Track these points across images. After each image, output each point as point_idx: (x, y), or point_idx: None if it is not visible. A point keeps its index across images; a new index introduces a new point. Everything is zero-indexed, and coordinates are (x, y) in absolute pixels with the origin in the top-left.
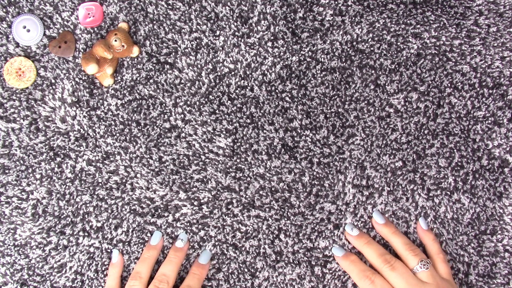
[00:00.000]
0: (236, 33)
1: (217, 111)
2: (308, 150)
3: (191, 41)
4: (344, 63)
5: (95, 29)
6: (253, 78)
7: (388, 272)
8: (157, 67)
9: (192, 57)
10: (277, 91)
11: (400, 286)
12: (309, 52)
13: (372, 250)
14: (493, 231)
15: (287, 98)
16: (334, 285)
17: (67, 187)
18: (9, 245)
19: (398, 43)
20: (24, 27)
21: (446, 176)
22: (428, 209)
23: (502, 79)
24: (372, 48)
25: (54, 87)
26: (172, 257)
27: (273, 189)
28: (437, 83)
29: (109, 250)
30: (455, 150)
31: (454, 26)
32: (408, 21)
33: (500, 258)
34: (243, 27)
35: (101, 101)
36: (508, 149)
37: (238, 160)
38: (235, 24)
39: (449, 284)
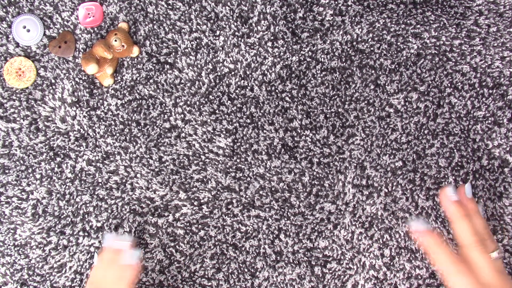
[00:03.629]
0: (236, 33)
1: (217, 111)
2: (308, 150)
3: (191, 41)
4: (344, 63)
5: (95, 29)
6: (253, 78)
7: (478, 253)
8: (157, 67)
9: (192, 57)
10: (277, 91)
11: (486, 272)
12: (309, 52)
13: (469, 225)
14: (493, 231)
15: (287, 98)
16: (334, 285)
17: (67, 187)
18: (9, 245)
19: (398, 43)
20: (24, 27)
21: (446, 176)
22: (428, 209)
23: (502, 79)
24: (372, 48)
25: (54, 87)
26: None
27: (273, 189)
28: (437, 83)
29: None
30: (455, 150)
31: (454, 26)
32: (408, 21)
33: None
34: (243, 27)
35: (101, 101)
36: (508, 149)
37: (238, 160)
38: (235, 24)
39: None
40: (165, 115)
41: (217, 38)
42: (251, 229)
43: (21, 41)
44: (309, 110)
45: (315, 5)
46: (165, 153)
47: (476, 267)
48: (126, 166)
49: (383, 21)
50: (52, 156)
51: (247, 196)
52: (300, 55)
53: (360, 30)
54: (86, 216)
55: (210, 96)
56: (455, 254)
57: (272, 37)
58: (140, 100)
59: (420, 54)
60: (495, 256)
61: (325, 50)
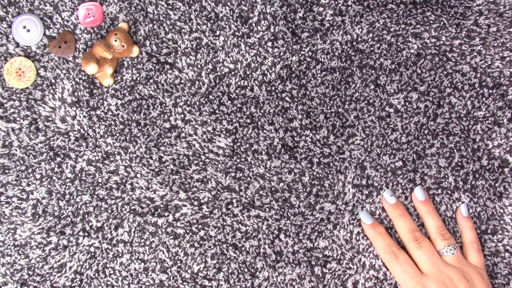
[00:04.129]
0: (236, 33)
1: (217, 111)
2: (308, 150)
3: (191, 41)
4: (344, 63)
5: (95, 29)
6: (253, 78)
7: (415, 248)
8: (157, 67)
9: (192, 57)
10: (277, 91)
11: (423, 264)
12: (309, 52)
13: (404, 223)
14: (493, 231)
15: (287, 98)
16: (334, 285)
17: (67, 187)
18: (9, 245)
19: (398, 43)
20: (24, 27)
21: (446, 176)
22: None
23: (502, 79)
24: (372, 48)
25: (54, 87)
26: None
27: (273, 189)
28: (437, 83)
29: (108, 251)
30: (455, 150)
31: (454, 26)
32: (408, 21)
33: (500, 258)
34: (243, 27)
35: (101, 101)
36: (508, 149)
37: (238, 160)
38: (235, 24)
39: (476, 272)
40: (165, 115)
41: (217, 38)
42: (251, 229)
43: (21, 41)
44: (309, 110)
45: (315, 5)
46: (165, 153)
47: (414, 260)
48: (126, 166)
49: (383, 21)
50: (52, 156)
51: (247, 196)
52: (300, 55)
53: (360, 30)
54: (86, 216)
55: (210, 96)
56: (395, 244)
57: (272, 37)
58: (140, 100)
59: (420, 54)
60: (445, 254)
61: (325, 50)
